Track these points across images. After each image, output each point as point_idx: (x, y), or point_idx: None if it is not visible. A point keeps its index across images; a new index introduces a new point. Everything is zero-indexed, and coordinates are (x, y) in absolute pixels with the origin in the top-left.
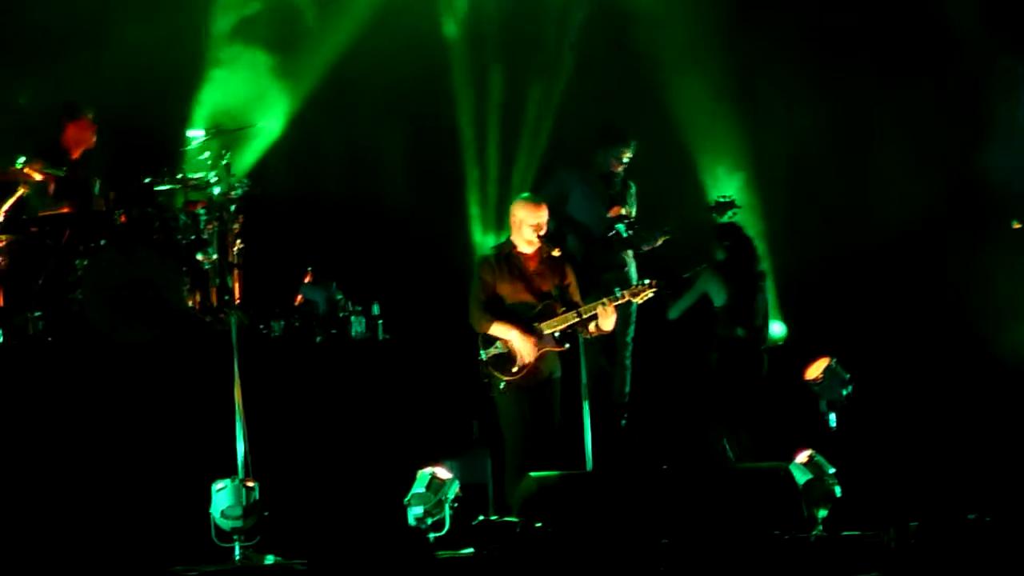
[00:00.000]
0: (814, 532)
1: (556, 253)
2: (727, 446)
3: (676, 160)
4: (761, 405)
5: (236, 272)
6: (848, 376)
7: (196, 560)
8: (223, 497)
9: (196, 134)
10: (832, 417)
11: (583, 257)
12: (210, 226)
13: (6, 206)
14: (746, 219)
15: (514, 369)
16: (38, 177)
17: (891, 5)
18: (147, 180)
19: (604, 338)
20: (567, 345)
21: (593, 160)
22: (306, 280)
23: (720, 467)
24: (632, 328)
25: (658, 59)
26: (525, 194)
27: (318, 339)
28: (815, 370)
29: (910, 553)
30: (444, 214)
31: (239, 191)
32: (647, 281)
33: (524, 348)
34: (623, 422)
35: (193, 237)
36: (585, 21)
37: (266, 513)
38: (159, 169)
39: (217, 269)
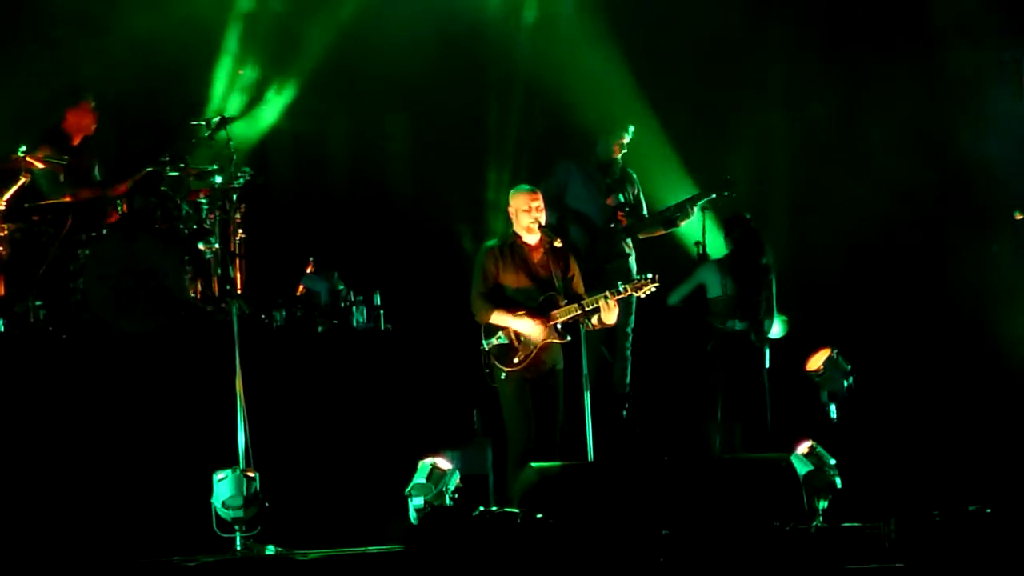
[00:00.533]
0: (815, 523)
1: (558, 243)
2: (715, 438)
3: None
4: (758, 398)
5: (238, 261)
6: (849, 367)
7: (197, 550)
8: (224, 487)
9: (199, 122)
10: (833, 408)
11: (586, 248)
12: (212, 215)
13: (8, 195)
14: (747, 209)
15: (516, 360)
16: (40, 165)
17: None
18: (150, 168)
19: (606, 329)
20: (569, 337)
21: (594, 149)
22: (308, 270)
23: (719, 458)
24: (632, 319)
25: (660, 50)
26: (520, 185)
27: (320, 329)
28: (816, 361)
29: (910, 545)
30: (447, 204)
31: (241, 180)
32: (649, 275)
33: (534, 331)
34: (624, 413)
35: (195, 226)
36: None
37: (267, 503)
38: (161, 158)
39: (219, 258)
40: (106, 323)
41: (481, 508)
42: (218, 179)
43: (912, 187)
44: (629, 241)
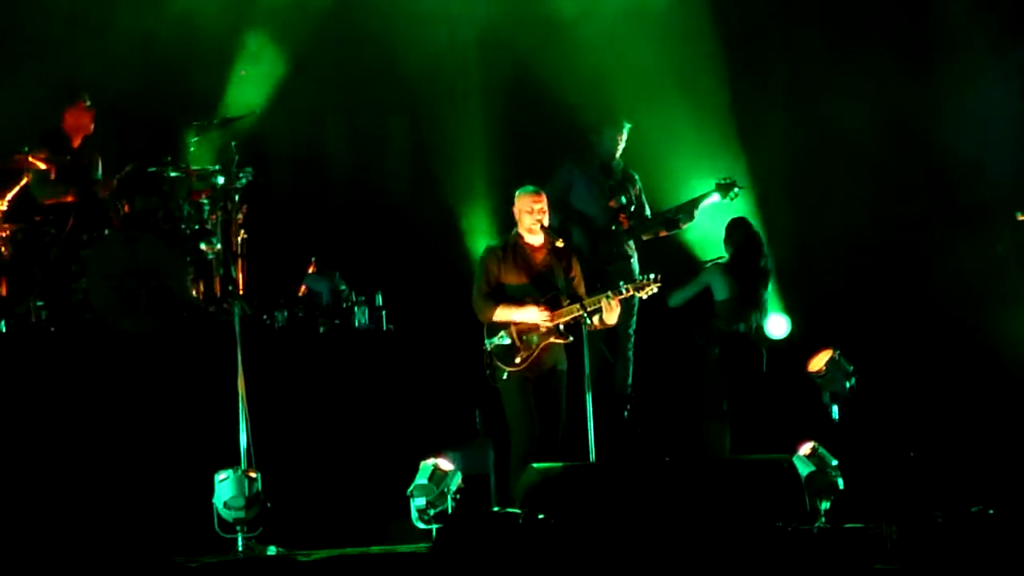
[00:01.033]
0: (817, 524)
1: (560, 244)
2: (717, 439)
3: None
4: (759, 401)
5: (240, 262)
6: (851, 368)
7: (199, 550)
8: (226, 487)
9: (201, 122)
10: (835, 409)
11: (588, 250)
12: (214, 216)
13: (10, 195)
14: (746, 211)
15: (517, 360)
16: (41, 165)
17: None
18: (151, 169)
19: (607, 329)
20: (571, 338)
21: (596, 149)
22: (310, 270)
23: (721, 459)
24: (634, 320)
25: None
26: (524, 186)
27: (321, 329)
28: (818, 362)
29: (912, 546)
30: (448, 205)
31: (243, 180)
32: (651, 276)
33: (540, 318)
34: (626, 414)
35: (197, 227)
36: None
37: (269, 504)
38: (163, 158)
39: (221, 259)
40: (108, 323)
41: (483, 508)
42: (220, 180)
43: (914, 189)
44: (631, 243)
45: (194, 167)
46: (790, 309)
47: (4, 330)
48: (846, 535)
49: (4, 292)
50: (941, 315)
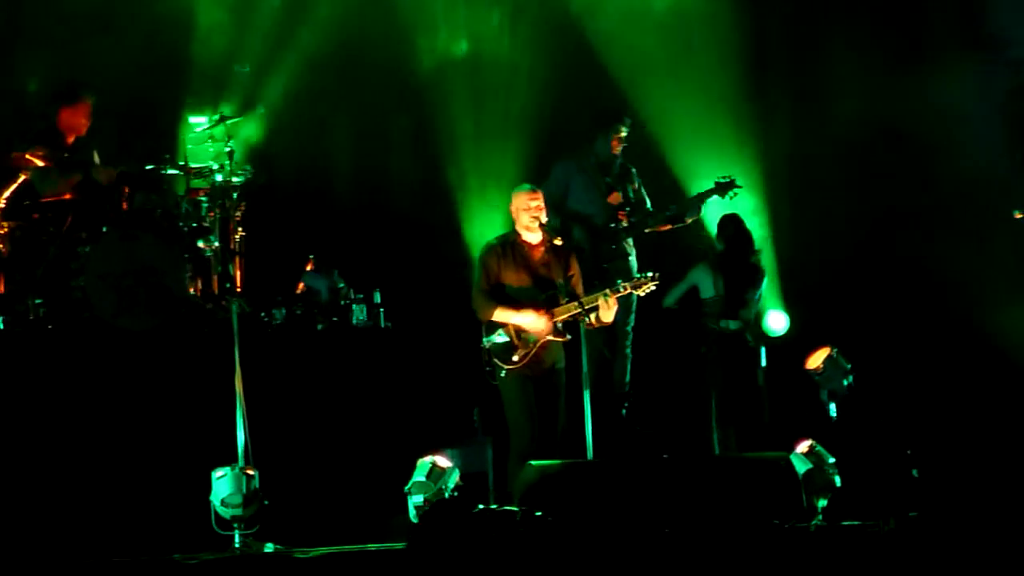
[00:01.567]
0: (814, 522)
1: (559, 242)
2: (714, 437)
3: (676, 149)
4: (755, 398)
5: (238, 260)
6: (849, 366)
7: (196, 547)
8: (223, 485)
9: (199, 120)
10: (832, 407)
11: (589, 248)
12: (212, 213)
13: (7, 192)
14: (747, 208)
15: (515, 358)
16: (39, 163)
17: None
18: (149, 167)
19: (605, 327)
20: (569, 336)
21: (593, 147)
22: (308, 268)
23: (719, 457)
24: (632, 317)
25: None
26: (521, 185)
27: (319, 327)
28: (816, 360)
29: (909, 542)
30: (447, 202)
31: (241, 178)
32: (649, 274)
33: (537, 323)
34: (624, 411)
35: (195, 224)
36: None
37: (266, 501)
38: (161, 156)
39: (219, 257)
40: (106, 321)
41: (481, 506)
42: (218, 177)
43: (912, 186)
44: (630, 240)
45: (192, 165)
46: (789, 306)
47: (2, 327)
48: (843, 533)
49: (2, 290)
50: (939, 313)
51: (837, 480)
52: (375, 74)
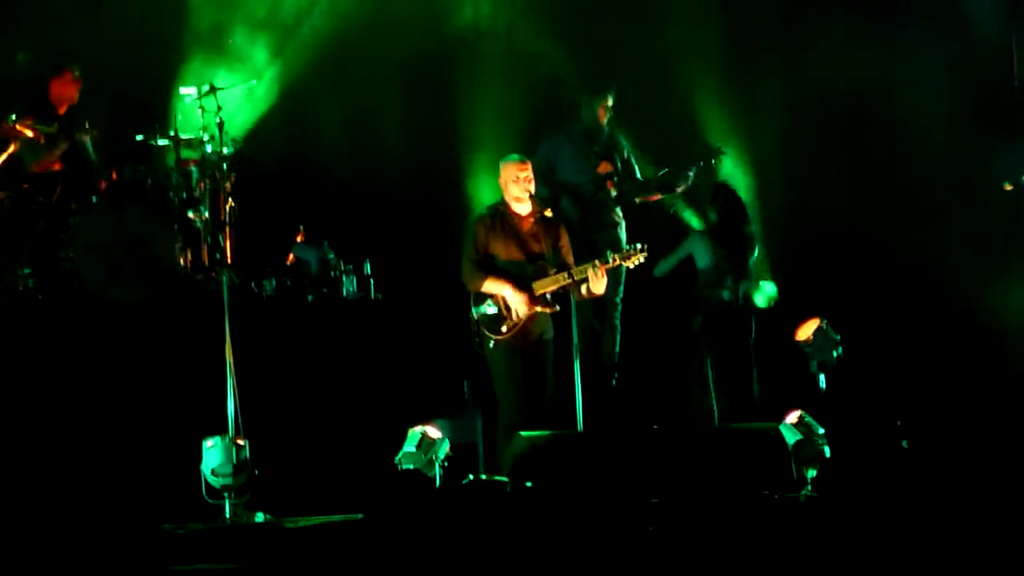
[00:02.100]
0: (803, 492)
1: (548, 213)
2: (704, 408)
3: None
4: (746, 368)
5: (228, 231)
6: (838, 337)
7: (186, 517)
8: (214, 455)
9: (189, 92)
10: (822, 378)
11: (578, 220)
12: (202, 184)
13: None
14: (739, 177)
15: (504, 329)
16: (29, 134)
17: None
18: (139, 138)
19: (595, 299)
20: (558, 307)
21: (579, 118)
22: (298, 239)
23: (708, 427)
24: (621, 288)
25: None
26: (509, 155)
27: (310, 298)
28: (806, 331)
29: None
30: (437, 173)
31: (231, 150)
32: (638, 245)
33: (517, 303)
34: (613, 382)
35: (185, 195)
36: None
37: (256, 471)
38: (151, 127)
39: (209, 228)
40: (96, 292)
41: (471, 476)
42: (208, 148)
43: (902, 160)
44: (619, 211)
45: (182, 136)
46: (778, 278)
47: None
48: (833, 503)
49: None
50: (928, 285)
51: (826, 451)
52: (366, 44)
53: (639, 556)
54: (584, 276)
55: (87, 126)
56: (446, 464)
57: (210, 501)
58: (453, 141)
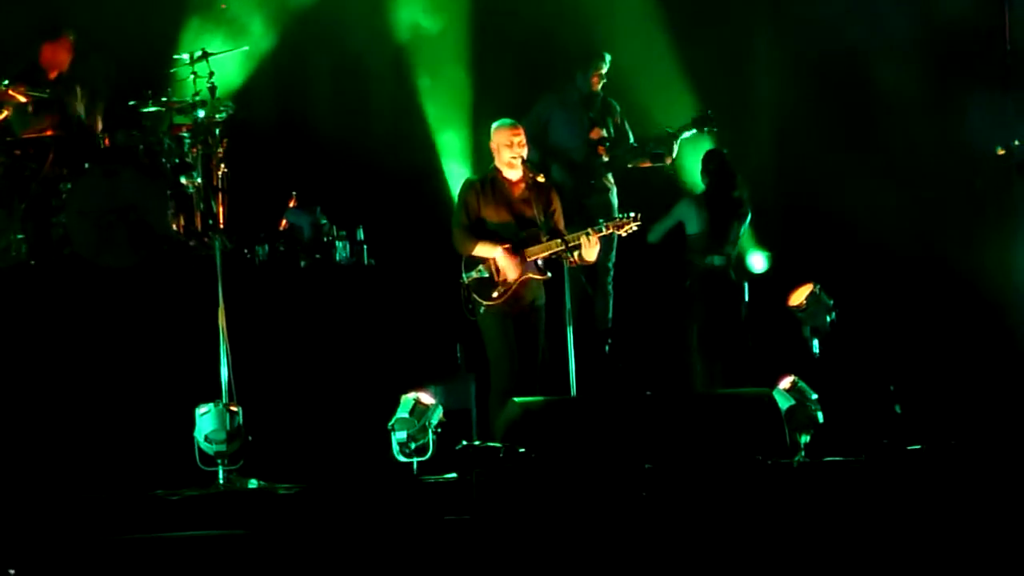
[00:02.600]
0: (797, 458)
1: (540, 179)
2: (696, 374)
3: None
4: (738, 334)
5: (220, 196)
6: (831, 302)
7: (179, 484)
8: (207, 421)
9: (181, 57)
10: (815, 343)
11: (570, 184)
12: (194, 150)
13: None
14: (729, 144)
15: (495, 294)
16: (21, 99)
17: None
18: (131, 103)
19: (587, 264)
20: (549, 274)
21: (573, 84)
22: (291, 205)
23: (702, 393)
24: (614, 254)
25: None
26: (501, 120)
27: (302, 264)
28: (798, 296)
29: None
30: (429, 139)
31: (224, 115)
32: (631, 214)
33: (508, 266)
34: (606, 348)
35: (177, 161)
36: None
37: (250, 437)
38: (144, 92)
39: (201, 193)
40: (88, 258)
41: (464, 442)
42: (200, 113)
43: (897, 123)
44: (610, 176)
45: (175, 101)
46: (770, 243)
47: None
48: (826, 469)
49: None
50: (921, 249)
51: (820, 416)
52: (357, 8)
53: (632, 521)
54: (577, 243)
55: (79, 92)
56: (439, 430)
57: (204, 468)
58: (446, 106)
